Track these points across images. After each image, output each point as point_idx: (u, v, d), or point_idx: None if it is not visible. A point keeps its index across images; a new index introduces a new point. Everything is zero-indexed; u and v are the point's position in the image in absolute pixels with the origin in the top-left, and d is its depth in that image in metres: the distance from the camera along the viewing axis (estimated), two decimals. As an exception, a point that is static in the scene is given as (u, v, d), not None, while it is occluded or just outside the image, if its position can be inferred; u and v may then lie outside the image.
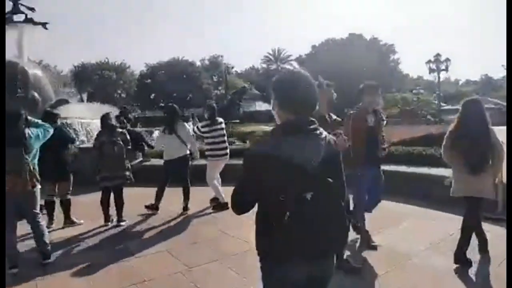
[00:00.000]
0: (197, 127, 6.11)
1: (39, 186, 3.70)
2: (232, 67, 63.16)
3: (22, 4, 17.79)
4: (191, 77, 47.60)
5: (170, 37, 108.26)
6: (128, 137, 5.17)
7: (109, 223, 5.05)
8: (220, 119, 6.11)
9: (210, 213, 5.67)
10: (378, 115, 3.97)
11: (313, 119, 1.62)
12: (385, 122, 4.12)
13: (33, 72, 16.96)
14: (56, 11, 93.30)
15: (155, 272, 3.59)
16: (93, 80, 51.50)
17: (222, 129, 6.00)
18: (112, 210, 5.19)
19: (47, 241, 3.75)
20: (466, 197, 3.56)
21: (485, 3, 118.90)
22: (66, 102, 16.85)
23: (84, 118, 14.53)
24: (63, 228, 5.01)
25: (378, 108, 4.04)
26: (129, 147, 5.14)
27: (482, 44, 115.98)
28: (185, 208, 5.67)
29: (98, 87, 49.60)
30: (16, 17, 17.78)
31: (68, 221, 5.10)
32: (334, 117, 3.68)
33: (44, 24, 18.44)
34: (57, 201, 5.14)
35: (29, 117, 3.78)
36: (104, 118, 5.01)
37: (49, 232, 4.75)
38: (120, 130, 5.15)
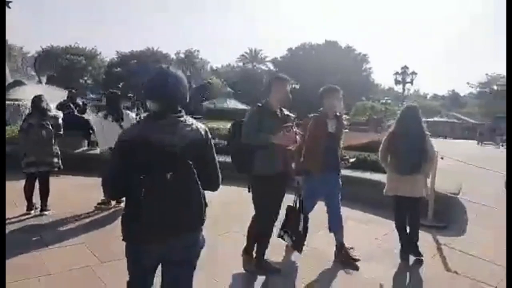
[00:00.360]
0: (140, 117, 5.85)
1: None
2: (208, 63, 62.64)
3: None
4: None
5: (146, 27, 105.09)
6: (60, 121, 4.84)
7: (32, 211, 4.69)
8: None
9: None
10: (339, 121, 3.66)
11: (180, 109, 1.82)
12: (346, 129, 3.85)
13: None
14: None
15: (64, 265, 3.29)
16: (58, 64, 49.58)
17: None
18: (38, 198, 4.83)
19: None
20: (396, 196, 3.76)
21: (458, 21, 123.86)
22: (21, 83, 16.09)
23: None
24: None
25: (340, 114, 3.73)
26: (61, 132, 4.78)
27: (451, 60, 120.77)
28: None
29: (64, 71, 47.79)
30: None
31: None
32: (286, 112, 3.37)
33: (7, 3, 17.41)
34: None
35: None
36: (36, 100, 4.66)
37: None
38: (52, 114, 4.80)
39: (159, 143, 1.68)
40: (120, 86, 49.71)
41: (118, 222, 4.44)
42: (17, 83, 15.71)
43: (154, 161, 1.68)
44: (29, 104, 11.49)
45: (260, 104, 3.26)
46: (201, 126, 1.85)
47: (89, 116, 9.08)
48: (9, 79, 16.24)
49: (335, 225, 3.66)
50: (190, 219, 1.79)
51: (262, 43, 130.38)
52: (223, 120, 26.64)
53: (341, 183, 3.74)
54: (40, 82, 18.22)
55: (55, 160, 4.76)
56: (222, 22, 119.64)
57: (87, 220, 4.68)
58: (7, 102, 13.00)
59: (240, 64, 64.24)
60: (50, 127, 4.58)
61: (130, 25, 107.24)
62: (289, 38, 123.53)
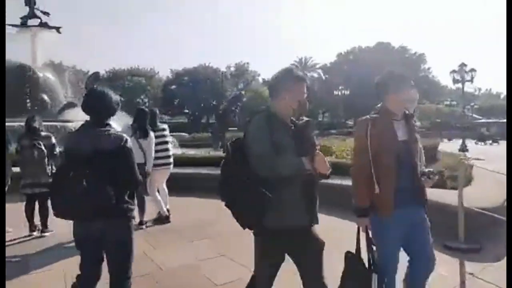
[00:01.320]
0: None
1: None
2: (258, 75, 63.14)
3: (37, 9, 18.28)
4: (215, 83, 47.81)
5: (197, 45, 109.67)
6: (54, 141, 4.80)
7: (34, 233, 4.68)
8: (164, 126, 5.68)
9: (148, 226, 5.19)
10: (410, 123, 2.41)
11: (107, 123, 2.35)
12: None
13: (45, 76, 17.47)
14: (88, 19, 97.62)
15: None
16: (121, 85, 53.28)
17: (164, 136, 5.54)
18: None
19: None
20: None
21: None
22: (74, 105, 17.14)
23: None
24: None
25: (412, 114, 2.48)
26: (55, 152, 4.75)
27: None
28: (140, 222, 5.03)
29: (124, 92, 51.19)
30: (31, 21, 18.31)
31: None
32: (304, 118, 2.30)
33: (57, 29, 18.92)
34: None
35: None
36: (28, 120, 4.68)
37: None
38: (45, 133, 4.80)
39: (80, 149, 2.22)
40: (175, 103, 52.32)
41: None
42: (70, 105, 16.82)
43: (79, 161, 2.17)
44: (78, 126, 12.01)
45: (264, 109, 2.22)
46: (120, 136, 2.29)
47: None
48: (62, 100, 17.51)
49: (416, 277, 2.40)
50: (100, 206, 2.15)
51: (311, 50, 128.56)
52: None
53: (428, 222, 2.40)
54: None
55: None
56: (273, 32, 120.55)
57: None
58: (57, 124, 13.98)
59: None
60: (43, 147, 4.54)
61: (182, 44, 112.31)
62: (338, 43, 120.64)
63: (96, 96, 2.33)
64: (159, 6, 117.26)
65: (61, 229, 4.83)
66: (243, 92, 18.98)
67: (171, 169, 5.59)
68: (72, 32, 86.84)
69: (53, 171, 4.72)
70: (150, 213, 5.34)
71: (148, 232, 4.95)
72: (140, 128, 5.08)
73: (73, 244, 4.25)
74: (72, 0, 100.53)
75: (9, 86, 15.57)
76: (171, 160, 5.57)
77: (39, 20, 18.44)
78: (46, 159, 4.56)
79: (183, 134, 26.59)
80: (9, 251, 4.14)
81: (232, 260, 3.86)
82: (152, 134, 5.16)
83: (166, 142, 5.53)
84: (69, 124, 13.47)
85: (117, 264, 2.33)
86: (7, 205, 5.16)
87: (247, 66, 59.95)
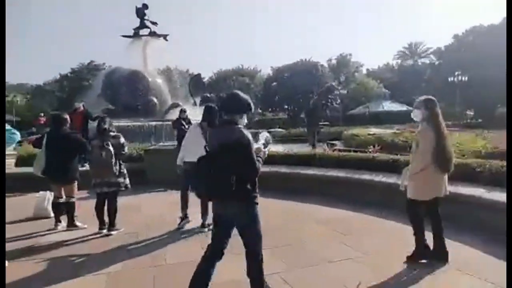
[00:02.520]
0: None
1: None
2: (361, 65, 59.77)
3: (147, 20, 20.07)
4: (315, 77, 46.74)
5: (297, 40, 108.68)
6: (123, 140, 4.88)
7: (103, 231, 4.84)
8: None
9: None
10: None
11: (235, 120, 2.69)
12: None
13: (154, 80, 19.14)
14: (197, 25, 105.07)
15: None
16: (227, 85, 56.22)
17: None
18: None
19: None
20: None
21: None
22: (177, 105, 18.44)
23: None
24: (64, 231, 5.01)
25: None
26: (123, 152, 4.85)
27: None
28: (203, 225, 4.85)
29: (226, 91, 53.79)
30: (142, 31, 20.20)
31: (71, 225, 5.11)
32: None
33: (165, 36, 20.54)
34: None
35: None
36: (98, 122, 4.85)
37: (50, 233, 4.89)
38: (114, 133, 4.91)
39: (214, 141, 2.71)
40: (276, 99, 52.92)
41: (169, 247, 4.23)
42: (174, 105, 18.15)
43: (212, 152, 2.64)
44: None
45: None
46: (242, 132, 2.59)
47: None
48: (169, 102, 18.94)
49: None
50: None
51: (422, 35, 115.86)
52: (379, 125, 24.57)
53: None
54: (195, 103, 20.57)
55: (121, 180, 4.81)
56: (376, 20, 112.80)
57: (145, 243, 4.47)
58: (164, 123, 15.15)
59: (399, 61, 58.84)
60: (110, 147, 4.63)
61: (284, 41, 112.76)
62: (454, 25, 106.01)
63: (228, 97, 2.78)
64: (257, 6, 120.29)
65: (129, 227, 4.97)
66: (334, 84, 17.74)
67: None
68: (181, 38, 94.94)
69: (121, 170, 4.81)
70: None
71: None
72: (211, 127, 4.84)
73: (135, 246, 4.30)
74: (177, 8, 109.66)
75: (123, 90, 17.64)
76: None
77: (149, 30, 20.24)
78: (113, 159, 4.63)
79: (279, 130, 26.56)
80: (75, 248, 4.33)
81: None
82: None
83: None
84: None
85: (246, 243, 2.71)
86: (88, 202, 5.51)
87: (349, 57, 57.30)
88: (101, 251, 4.24)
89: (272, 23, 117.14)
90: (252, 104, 2.86)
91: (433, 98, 3.63)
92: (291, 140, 21.44)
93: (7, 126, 3.74)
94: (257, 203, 2.67)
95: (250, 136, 2.58)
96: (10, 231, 4.93)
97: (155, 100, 18.49)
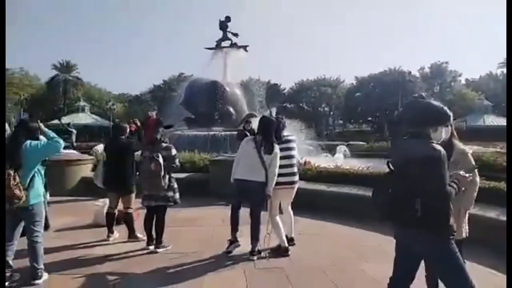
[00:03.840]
0: None
1: (36, 201, 3.50)
2: (460, 75, 54.10)
3: (229, 32, 20.51)
4: (404, 88, 43.52)
5: (387, 48, 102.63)
6: (175, 152, 4.57)
7: (150, 247, 4.55)
8: (290, 136, 4.70)
9: (265, 257, 4.29)
10: None
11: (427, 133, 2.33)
12: None
13: (232, 90, 19.39)
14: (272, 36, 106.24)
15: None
16: (308, 96, 55.54)
17: (289, 148, 4.59)
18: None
19: (38, 263, 3.50)
20: None
21: None
22: (253, 115, 18.41)
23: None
24: (122, 242, 4.83)
25: None
26: (174, 165, 4.52)
27: None
28: (252, 251, 4.25)
29: (311, 102, 53.02)
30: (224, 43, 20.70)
31: (132, 236, 4.94)
32: None
33: (245, 47, 20.78)
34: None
35: (43, 128, 3.66)
36: (148, 130, 4.66)
37: (100, 245, 4.77)
38: (166, 144, 4.62)
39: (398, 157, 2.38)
40: (359, 110, 50.50)
41: (213, 275, 3.76)
42: (250, 116, 18.12)
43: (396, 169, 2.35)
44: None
45: None
46: (435, 147, 2.23)
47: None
48: (246, 112, 18.96)
49: None
50: None
51: None
52: (478, 141, 21.49)
53: None
54: (270, 114, 20.34)
55: (170, 194, 4.51)
56: (477, 24, 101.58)
57: (187, 267, 4.05)
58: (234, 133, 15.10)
59: (504, 70, 51.85)
60: (160, 160, 4.35)
61: (369, 49, 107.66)
62: None
63: (415, 106, 2.45)
64: (340, 13, 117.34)
65: (177, 245, 4.62)
66: (424, 94, 15.85)
67: (296, 187, 4.62)
68: (263, 49, 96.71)
69: (171, 184, 4.51)
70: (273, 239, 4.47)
71: (258, 267, 4.06)
72: (266, 141, 4.31)
73: (175, 269, 3.91)
74: (259, 19, 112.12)
75: (202, 100, 18.10)
76: (297, 177, 4.61)
77: (230, 42, 20.68)
78: (162, 172, 4.34)
79: (361, 143, 24.93)
80: (117, 265, 4.09)
81: None
82: (277, 148, 4.31)
83: (292, 156, 4.59)
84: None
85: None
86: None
87: (445, 66, 52.31)
88: (142, 271, 3.92)
89: (358, 30, 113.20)
90: (449, 113, 2.42)
91: None
92: (373, 155, 19.95)
93: (51, 133, 3.62)
94: (452, 236, 2.24)
95: (443, 153, 2.21)
96: (66, 238, 5.00)
97: (232, 110, 18.67)
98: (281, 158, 4.40)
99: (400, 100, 33.74)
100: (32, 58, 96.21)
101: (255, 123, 16.46)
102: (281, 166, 4.37)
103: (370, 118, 50.62)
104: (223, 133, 14.82)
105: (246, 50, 20.77)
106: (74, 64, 54.86)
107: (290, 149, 4.59)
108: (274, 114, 21.98)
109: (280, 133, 4.57)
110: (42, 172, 3.64)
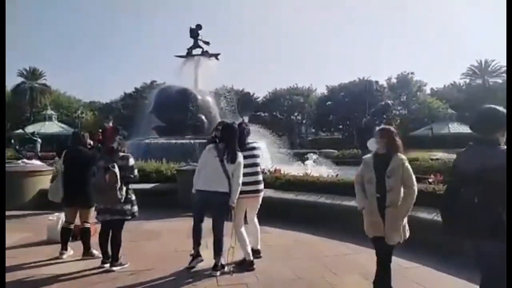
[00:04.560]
0: None
1: None
2: (425, 84, 56.13)
3: (200, 40, 20.29)
4: (372, 97, 44.65)
5: (356, 58, 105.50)
6: (132, 162, 4.31)
7: (106, 265, 4.22)
8: (255, 144, 4.57)
9: (229, 272, 4.06)
10: None
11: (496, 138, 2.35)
12: None
13: (204, 98, 19.09)
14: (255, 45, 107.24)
15: None
16: (281, 104, 55.95)
17: (253, 156, 4.45)
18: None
19: None
20: None
21: None
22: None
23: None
24: (76, 260, 4.48)
25: None
26: (132, 176, 4.26)
27: None
28: (215, 266, 4.03)
29: (284, 111, 53.43)
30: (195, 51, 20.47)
31: (87, 253, 4.61)
32: None
33: (216, 56, 20.62)
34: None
35: None
36: (104, 139, 4.40)
37: (51, 263, 4.40)
38: (122, 155, 4.32)
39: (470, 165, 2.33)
40: (330, 118, 51.33)
41: None
42: (222, 123, 17.90)
43: (469, 178, 2.29)
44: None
45: None
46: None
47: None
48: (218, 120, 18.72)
49: None
50: None
51: (493, 53, 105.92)
52: (444, 149, 22.19)
53: None
54: (243, 121, 20.23)
55: (127, 207, 4.23)
56: (441, 36, 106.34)
57: (142, 285, 3.79)
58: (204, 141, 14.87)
59: (467, 80, 54.26)
60: (116, 170, 4.07)
61: (339, 59, 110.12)
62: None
63: (485, 113, 2.45)
64: (312, 23, 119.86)
65: (136, 262, 4.33)
66: (390, 102, 16.02)
67: (261, 196, 4.48)
68: (236, 58, 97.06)
69: (128, 196, 4.22)
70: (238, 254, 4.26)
71: (220, 284, 3.83)
72: (229, 150, 4.11)
73: (137, 287, 3.63)
74: (231, 28, 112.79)
75: (173, 108, 17.70)
76: (262, 185, 4.47)
77: (201, 49, 20.46)
78: (118, 183, 4.06)
79: (332, 150, 25.20)
80: (66, 286, 3.76)
81: None
82: (241, 157, 4.14)
83: (256, 164, 4.45)
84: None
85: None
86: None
87: (411, 76, 54.15)
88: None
89: (329, 41, 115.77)
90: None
91: None
92: (343, 163, 20.18)
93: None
94: None
95: None
96: (16, 257, 4.59)
97: (203, 118, 18.40)
98: (245, 166, 4.23)
99: (368, 108, 34.48)
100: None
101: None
102: (245, 174, 4.20)
103: (341, 126, 51.43)
104: (192, 141, 14.44)
105: (217, 58, 20.64)
106: (41, 71, 52.85)
107: (254, 156, 4.45)
108: (246, 121, 21.97)
109: (244, 140, 4.41)
110: None
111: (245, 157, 4.25)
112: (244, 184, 4.18)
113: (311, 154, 20.27)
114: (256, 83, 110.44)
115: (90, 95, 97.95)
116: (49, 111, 46.18)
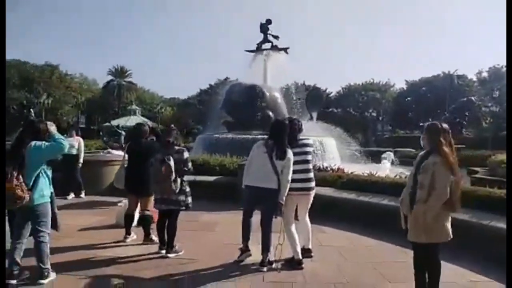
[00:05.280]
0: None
1: (40, 201, 3.51)
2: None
3: (270, 34, 20.36)
4: (460, 92, 40.78)
5: (441, 50, 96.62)
6: (187, 155, 4.45)
7: (162, 251, 4.46)
8: (307, 140, 4.39)
9: (276, 269, 4.01)
10: None
11: None
12: None
13: (272, 94, 19.21)
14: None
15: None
16: (355, 100, 54.02)
17: (305, 153, 4.29)
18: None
19: (43, 262, 3.51)
20: None
21: None
22: (292, 119, 18.03)
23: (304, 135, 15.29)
24: (137, 244, 4.80)
25: None
26: (186, 168, 4.38)
27: None
28: (262, 262, 4.02)
29: (358, 107, 51.44)
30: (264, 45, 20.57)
31: (147, 239, 4.91)
32: None
33: (285, 50, 20.52)
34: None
35: (51, 129, 3.67)
36: (162, 134, 4.57)
37: (115, 246, 4.77)
38: (178, 147, 4.50)
39: None
40: (409, 115, 48.10)
41: None
42: (289, 119, 17.84)
43: None
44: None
45: None
46: None
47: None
48: (285, 115, 18.66)
49: None
50: None
51: None
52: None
53: None
54: (311, 118, 19.89)
55: (181, 198, 4.38)
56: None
57: (192, 273, 3.90)
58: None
59: None
60: (171, 163, 4.24)
61: (421, 51, 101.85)
62: None
63: None
64: (393, 14, 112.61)
65: (190, 251, 4.49)
66: (473, 98, 14.19)
67: (313, 194, 4.34)
68: (309, 53, 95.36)
69: (183, 188, 4.39)
70: (287, 251, 4.19)
71: (266, 280, 3.78)
72: (278, 146, 4.06)
73: (181, 276, 3.77)
74: (304, 23, 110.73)
75: (241, 104, 18.10)
76: (313, 183, 4.32)
77: (271, 44, 20.53)
78: (173, 175, 4.23)
79: (409, 149, 23.52)
80: (126, 268, 4.03)
81: None
82: (290, 153, 4.04)
83: (307, 161, 4.30)
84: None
85: None
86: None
87: (505, 70, 48.33)
88: (147, 276, 3.84)
89: (410, 32, 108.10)
90: None
91: None
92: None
93: (57, 135, 3.61)
94: None
95: None
96: (86, 238, 5.08)
97: (271, 114, 18.48)
98: (296, 162, 4.12)
99: (447, 104, 31.54)
100: (93, 64, 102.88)
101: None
102: (295, 171, 4.10)
103: (421, 124, 47.96)
104: (259, 136, 14.63)
105: (286, 52, 20.50)
106: (128, 69, 57.98)
107: (305, 153, 4.30)
108: (315, 118, 21.53)
109: (295, 136, 4.30)
110: (49, 172, 3.66)
111: (296, 154, 4.14)
112: (294, 181, 4.08)
113: (388, 153, 19.17)
114: (329, 79, 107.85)
115: (171, 92, 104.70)
116: (134, 106, 50.35)
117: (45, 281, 3.52)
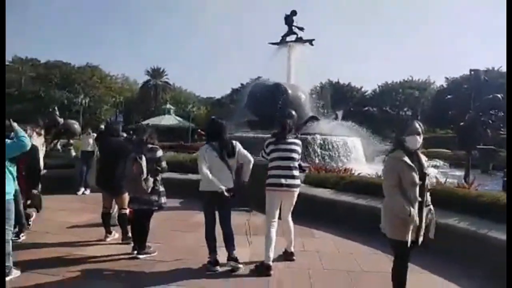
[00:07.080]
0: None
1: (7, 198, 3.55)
2: None
3: (295, 26, 19.92)
4: (503, 89, 38.07)
5: (485, 46, 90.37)
6: (160, 154, 4.32)
7: (134, 252, 4.37)
8: (295, 140, 4.28)
9: (241, 275, 3.78)
10: None
11: None
12: None
13: (295, 92, 18.85)
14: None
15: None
16: (393, 98, 52.06)
17: (290, 150, 4.15)
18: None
19: (7, 259, 3.53)
20: None
21: None
22: (315, 119, 17.71)
23: (327, 134, 14.99)
24: (114, 244, 4.76)
25: None
26: (160, 168, 4.26)
27: None
28: (234, 265, 3.92)
29: (395, 105, 49.52)
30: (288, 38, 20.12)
31: (125, 238, 4.82)
32: None
33: (310, 41, 19.99)
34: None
35: (15, 126, 3.63)
36: (137, 132, 4.49)
37: (95, 245, 4.76)
38: (151, 146, 4.34)
39: None
40: (449, 114, 45.37)
41: None
42: (312, 119, 17.47)
43: None
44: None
45: None
46: None
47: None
48: (307, 115, 18.24)
49: None
50: None
51: None
52: None
53: None
54: (336, 117, 19.27)
55: (154, 198, 4.27)
56: None
57: (155, 276, 3.76)
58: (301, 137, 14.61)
59: None
60: (142, 161, 4.14)
61: (464, 48, 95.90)
62: None
63: None
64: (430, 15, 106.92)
65: (164, 252, 4.38)
66: (500, 96, 12.64)
67: (297, 192, 4.18)
68: (341, 49, 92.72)
69: (155, 187, 4.28)
70: (259, 253, 3.99)
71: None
72: (224, 146, 4.00)
73: (145, 278, 3.67)
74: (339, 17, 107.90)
75: (264, 102, 17.90)
76: (297, 181, 4.19)
77: (295, 36, 20.05)
78: (143, 175, 4.13)
79: (444, 150, 22.21)
80: (97, 266, 4.01)
81: None
82: (238, 145, 4.11)
83: (292, 159, 4.17)
84: (308, 137, 13.92)
85: None
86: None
87: None
88: (107, 277, 3.81)
89: (453, 28, 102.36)
90: None
91: None
92: (455, 164, 17.79)
93: (20, 132, 3.60)
94: None
95: None
96: (68, 235, 5.08)
97: (293, 113, 18.12)
98: (280, 158, 4.09)
99: (472, 102, 29.28)
100: (134, 64, 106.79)
101: (318, 127, 15.86)
102: (279, 167, 4.07)
103: (462, 123, 45.31)
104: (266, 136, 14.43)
105: (312, 44, 19.90)
106: (164, 69, 59.65)
107: (291, 150, 4.16)
108: (340, 117, 20.84)
109: (284, 135, 4.21)
110: (12, 169, 3.68)
111: (281, 150, 4.11)
112: (276, 176, 4.04)
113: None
114: (366, 76, 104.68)
115: (207, 91, 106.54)
116: (168, 106, 51.61)
117: (6, 279, 3.53)
